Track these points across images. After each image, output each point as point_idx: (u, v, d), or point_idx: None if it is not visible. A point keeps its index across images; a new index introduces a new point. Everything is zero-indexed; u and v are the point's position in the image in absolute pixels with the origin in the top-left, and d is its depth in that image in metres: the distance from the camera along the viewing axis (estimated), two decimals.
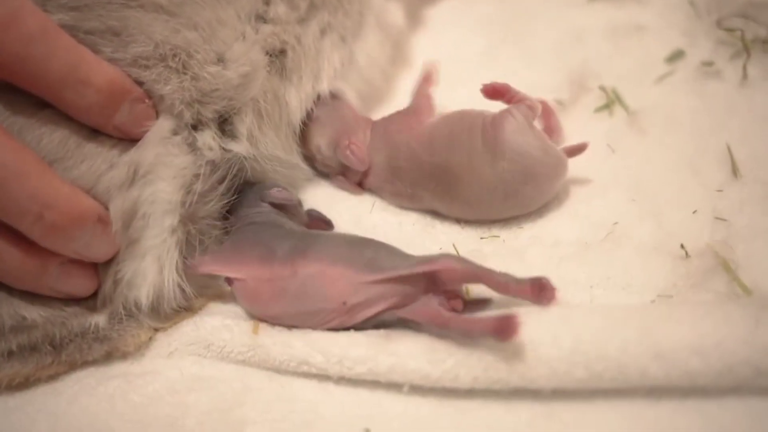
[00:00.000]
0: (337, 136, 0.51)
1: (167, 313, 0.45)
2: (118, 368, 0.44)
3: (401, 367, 0.39)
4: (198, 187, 0.44)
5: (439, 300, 0.40)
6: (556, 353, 0.37)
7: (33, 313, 0.42)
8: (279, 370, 0.42)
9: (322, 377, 0.41)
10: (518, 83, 0.48)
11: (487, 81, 0.48)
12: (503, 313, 0.37)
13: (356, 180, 0.52)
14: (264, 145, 0.49)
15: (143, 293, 0.43)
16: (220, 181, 0.46)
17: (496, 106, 0.48)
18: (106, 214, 0.42)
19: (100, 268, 0.43)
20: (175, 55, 0.43)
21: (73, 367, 0.44)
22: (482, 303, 0.41)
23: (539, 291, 0.38)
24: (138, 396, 0.42)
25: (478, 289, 0.43)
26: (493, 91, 0.48)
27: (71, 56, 0.39)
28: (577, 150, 0.48)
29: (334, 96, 0.53)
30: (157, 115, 0.44)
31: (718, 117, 0.52)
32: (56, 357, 0.43)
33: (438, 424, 0.39)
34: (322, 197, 0.53)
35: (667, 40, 0.58)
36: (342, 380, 0.41)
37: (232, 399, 0.41)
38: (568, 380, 0.37)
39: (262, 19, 0.48)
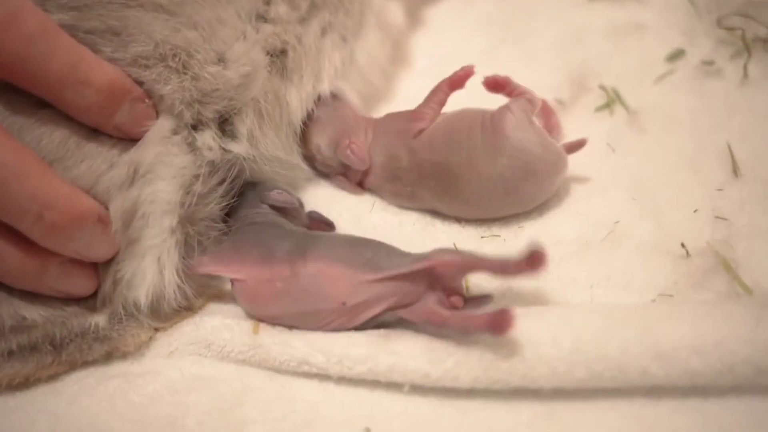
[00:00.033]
0: (338, 136, 0.51)
1: (167, 313, 0.45)
2: (118, 368, 0.44)
3: (401, 367, 0.39)
4: (198, 188, 0.44)
5: (439, 297, 0.40)
6: (556, 353, 0.37)
7: (33, 312, 0.42)
8: (279, 369, 0.42)
9: (323, 377, 0.41)
10: (518, 82, 0.48)
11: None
12: (498, 309, 0.37)
13: (356, 180, 0.52)
14: (264, 146, 0.48)
15: (142, 293, 0.43)
16: (220, 183, 0.46)
17: (496, 105, 0.48)
18: (106, 213, 0.42)
19: (99, 267, 0.43)
20: (175, 55, 0.43)
21: (73, 367, 0.44)
22: (483, 299, 0.41)
23: (536, 262, 0.36)
24: (138, 396, 0.42)
25: (478, 289, 0.43)
26: (495, 84, 0.48)
27: (71, 56, 0.39)
28: (576, 146, 0.48)
29: (335, 96, 0.53)
30: (157, 114, 0.43)
31: (719, 116, 0.52)
32: (56, 357, 0.43)
33: (438, 424, 0.39)
34: (322, 197, 0.53)
35: (668, 40, 0.58)
36: (342, 380, 0.41)
37: (232, 399, 0.41)
38: (569, 380, 0.37)
39: (262, 18, 0.48)
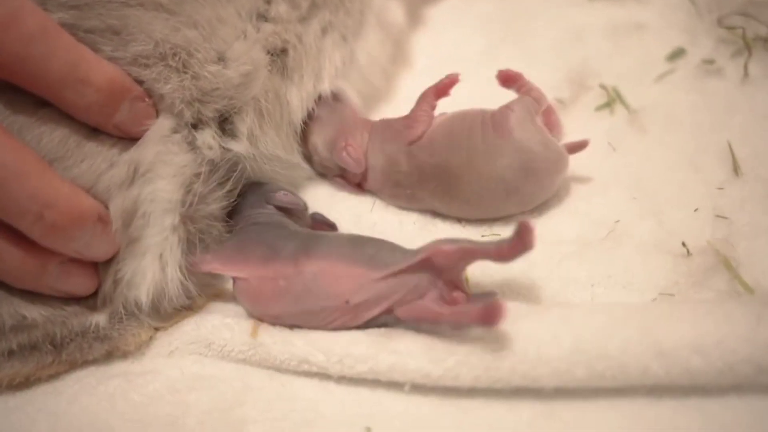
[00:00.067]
0: (335, 137, 0.51)
1: (168, 313, 0.45)
2: (119, 367, 0.44)
3: (402, 366, 0.39)
4: (198, 187, 0.44)
5: (441, 292, 0.40)
6: (557, 352, 0.37)
7: (33, 312, 0.42)
8: (280, 369, 0.42)
9: (323, 376, 0.41)
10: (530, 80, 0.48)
11: (488, 80, 0.48)
12: (489, 301, 0.37)
13: (356, 181, 0.52)
14: (264, 145, 0.48)
15: (143, 292, 0.43)
16: (222, 182, 0.46)
17: (497, 105, 0.48)
18: (106, 213, 0.41)
19: (100, 267, 0.43)
20: (175, 54, 0.43)
21: (73, 366, 0.44)
22: (485, 296, 0.41)
23: (525, 237, 0.36)
24: (138, 395, 0.42)
25: (479, 288, 0.43)
26: (507, 78, 0.48)
27: (71, 55, 0.39)
28: (578, 147, 0.48)
29: (336, 96, 0.53)
30: (157, 113, 0.43)
31: (719, 115, 0.51)
32: (57, 356, 0.43)
33: (439, 423, 0.39)
34: (323, 196, 0.53)
35: (668, 39, 0.58)
36: (343, 379, 0.41)
37: (232, 398, 0.41)
38: (569, 379, 0.37)
39: (263, 17, 0.48)
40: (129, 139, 0.43)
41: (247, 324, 0.44)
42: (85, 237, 0.40)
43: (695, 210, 0.46)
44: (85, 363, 0.44)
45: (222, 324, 0.44)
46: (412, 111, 0.49)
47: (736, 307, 0.36)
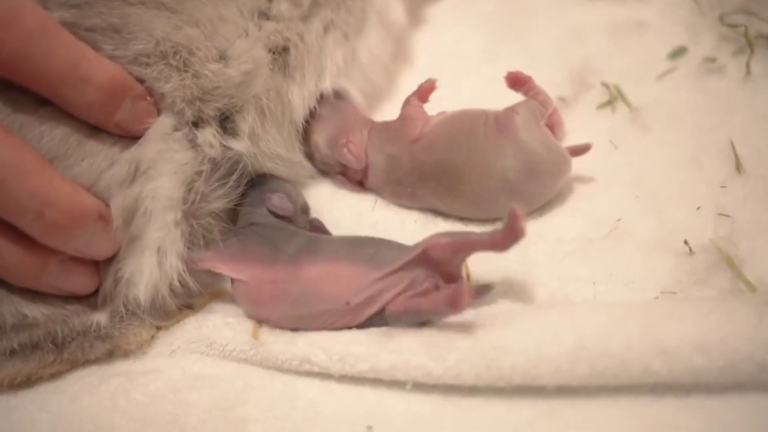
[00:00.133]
0: (336, 135, 0.51)
1: (169, 311, 0.45)
2: (120, 366, 0.44)
3: (403, 365, 0.39)
4: (200, 185, 0.44)
5: (437, 284, 0.40)
6: (558, 350, 0.37)
7: (34, 311, 0.41)
8: (281, 368, 0.42)
9: (324, 375, 0.41)
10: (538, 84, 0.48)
11: (488, 78, 0.48)
12: (454, 286, 0.38)
13: (357, 179, 0.52)
14: (266, 143, 0.48)
15: (141, 290, 0.43)
16: (223, 180, 0.46)
17: (497, 103, 0.47)
18: (107, 211, 0.41)
19: (101, 265, 0.43)
20: (176, 53, 0.43)
21: (75, 365, 0.44)
22: (484, 289, 0.41)
23: (515, 224, 0.37)
24: (140, 394, 0.42)
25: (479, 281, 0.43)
26: (516, 80, 0.48)
27: (72, 54, 0.39)
28: (581, 150, 0.48)
29: (338, 94, 0.53)
30: (158, 112, 0.43)
31: (721, 113, 0.51)
32: (58, 355, 0.43)
33: (441, 422, 0.39)
34: (324, 195, 0.53)
35: (669, 37, 0.58)
36: (344, 378, 0.41)
37: (234, 397, 0.41)
38: (571, 377, 0.37)
39: (264, 15, 0.48)
40: (130, 137, 0.43)
41: (249, 323, 0.44)
42: (86, 235, 0.40)
43: (697, 208, 0.46)
44: (87, 362, 0.44)
45: (223, 323, 0.44)
46: (402, 112, 0.50)
47: (739, 305, 0.36)
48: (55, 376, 0.44)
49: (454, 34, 0.64)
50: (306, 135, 0.52)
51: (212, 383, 0.42)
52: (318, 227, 0.49)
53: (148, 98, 0.43)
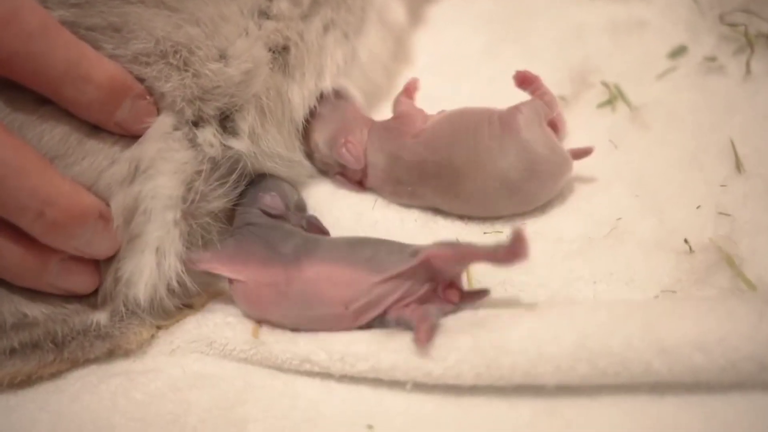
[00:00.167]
0: (335, 134, 0.51)
1: (169, 311, 0.45)
2: (121, 366, 0.44)
3: (404, 364, 0.39)
4: (200, 185, 0.44)
5: (436, 290, 0.40)
6: (558, 349, 0.36)
7: (34, 310, 0.41)
8: (281, 368, 0.42)
9: (325, 375, 0.41)
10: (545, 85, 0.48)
11: (488, 78, 0.48)
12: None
13: (356, 179, 0.52)
14: (266, 142, 0.48)
15: (141, 290, 0.43)
16: (223, 180, 0.46)
17: (497, 104, 0.47)
18: (107, 210, 0.41)
19: (101, 265, 0.43)
20: (176, 52, 0.43)
21: (75, 364, 0.44)
22: (478, 294, 0.41)
23: (517, 246, 0.36)
24: (140, 394, 0.42)
25: (480, 282, 0.43)
26: (523, 79, 0.48)
27: (72, 53, 0.39)
28: (583, 153, 0.48)
29: (338, 93, 0.53)
30: (158, 111, 0.43)
31: (721, 112, 0.51)
32: (58, 354, 0.43)
33: (441, 422, 0.39)
34: (324, 194, 0.53)
35: (669, 36, 0.58)
36: (344, 378, 0.41)
37: (234, 397, 0.41)
38: (572, 376, 0.36)
39: (265, 15, 0.48)
40: (130, 136, 0.43)
41: (249, 323, 0.44)
42: (86, 234, 0.40)
43: (697, 207, 0.46)
44: (87, 361, 0.44)
45: (224, 323, 0.44)
46: (396, 112, 0.50)
47: (739, 304, 0.36)
48: (55, 375, 0.44)
49: (454, 34, 0.64)
50: (306, 134, 0.52)
51: (212, 382, 0.42)
52: (314, 224, 0.49)
53: (148, 97, 0.43)
